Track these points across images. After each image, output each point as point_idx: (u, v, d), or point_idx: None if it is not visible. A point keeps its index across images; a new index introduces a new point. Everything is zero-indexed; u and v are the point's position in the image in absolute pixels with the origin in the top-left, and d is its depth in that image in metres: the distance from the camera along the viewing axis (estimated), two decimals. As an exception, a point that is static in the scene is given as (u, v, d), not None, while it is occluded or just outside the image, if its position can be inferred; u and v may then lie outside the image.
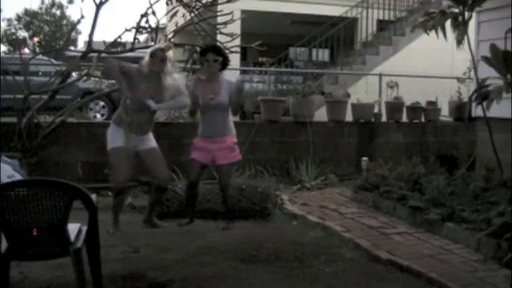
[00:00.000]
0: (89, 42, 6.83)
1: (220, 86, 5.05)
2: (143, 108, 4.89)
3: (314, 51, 13.83)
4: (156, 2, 6.50)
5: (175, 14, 10.88)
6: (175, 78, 5.03)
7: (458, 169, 7.24)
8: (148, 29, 6.70)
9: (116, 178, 5.04)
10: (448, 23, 6.43)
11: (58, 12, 34.42)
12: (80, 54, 7.26)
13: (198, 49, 6.57)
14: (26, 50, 29.40)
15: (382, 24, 13.61)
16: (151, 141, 5.17)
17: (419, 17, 8.77)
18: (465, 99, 9.28)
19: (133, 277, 3.92)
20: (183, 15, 9.54)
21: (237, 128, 5.39)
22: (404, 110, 9.20)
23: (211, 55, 5.04)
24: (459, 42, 6.27)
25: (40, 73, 10.03)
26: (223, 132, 5.14)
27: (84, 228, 3.40)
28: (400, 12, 13.61)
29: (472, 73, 7.71)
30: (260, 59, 16.95)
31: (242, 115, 9.60)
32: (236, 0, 6.71)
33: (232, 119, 5.33)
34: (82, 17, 6.78)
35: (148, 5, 6.45)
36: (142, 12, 6.46)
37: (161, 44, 5.33)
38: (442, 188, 5.77)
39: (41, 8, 34.25)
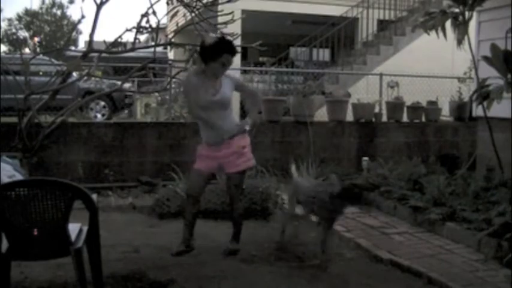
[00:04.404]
0: (90, 42, 6.82)
1: (221, 81, 4.49)
2: None
3: (315, 51, 13.83)
4: (157, 2, 6.50)
5: (175, 14, 10.85)
6: None
7: (459, 169, 7.24)
8: (149, 29, 6.68)
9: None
10: (448, 23, 6.44)
11: (59, 12, 34.50)
12: (80, 54, 7.25)
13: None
14: (27, 50, 29.47)
15: (382, 24, 13.61)
16: None
17: (419, 17, 8.76)
18: (466, 99, 9.28)
19: (133, 277, 3.93)
20: (184, 15, 9.53)
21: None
22: (405, 109, 9.20)
23: (228, 58, 4.40)
24: (459, 42, 6.28)
25: (41, 73, 10.04)
26: (229, 135, 4.47)
27: (85, 228, 3.41)
28: (401, 12, 13.62)
29: (473, 73, 7.71)
30: (261, 59, 16.99)
31: (243, 114, 9.60)
32: (236, 0, 6.71)
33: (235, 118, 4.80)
34: (83, 17, 6.76)
35: (149, 5, 6.45)
36: (143, 12, 6.46)
37: None
38: (442, 187, 5.77)
39: (41, 8, 34.33)
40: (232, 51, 4.40)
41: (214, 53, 4.34)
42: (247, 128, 4.60)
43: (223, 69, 4.43)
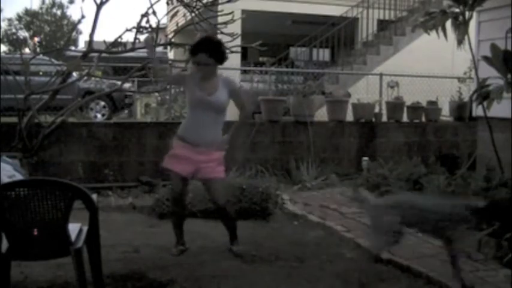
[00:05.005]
0: (90, 42, 6.83)
1: (217, 84, 4.33)
2: None
3: (315, 51, 13.83)
4: (157, 2, 6.51)
5: (175, 13, 10.86)
6: None
7: (459, 169, 7.24)
8: (149, 29, 6.69)
9: None
10: (448, 23, 6.43)
11: (59, 12, 34.49)
12: (80, 54, 7.26)
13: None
14: (27, 50, 29.47)
15: (382, 24, 13.61)
16: None
17: (419, 17, 8.76)
18: (466, 99, 9.29)
19: (133, 277, 3.93)
20: (184, 15, 9.55)
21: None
22: (405, 109, 9.21)
23: (202, 57, 4.20)
24: (460, 41, 6.27)
25: (41, 73, 10.05)
26: (215, 142, 4.33)
27: (85, 228, 3.41)
28: (401, 12, 13.62)
29: (473, 73, 7.71)
30: (261, 59, 16.98)
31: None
32: (236, 0, 6.71)
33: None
34: (83, 16, 6.77)
35: (149, 5, 6.45)
36: (143, 12, 6.47)
37: None
38: (442, 187, 5.76)
39: (41, 8, 34.33)
40: (207, 51, 4.19)
41: (191, 52, 4.28)
42: (223, 147, 4.41)
43: (203, 68, 4.24)
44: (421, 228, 3.99)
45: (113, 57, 8.48)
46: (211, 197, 4.49)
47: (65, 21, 33.96)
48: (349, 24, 12.78)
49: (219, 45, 4.37)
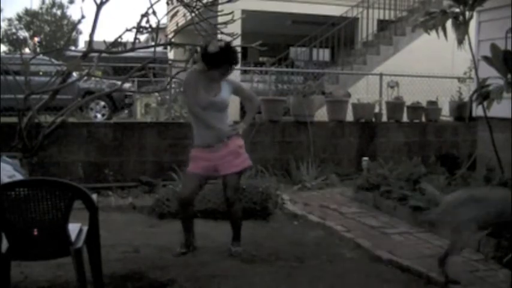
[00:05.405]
0: (90, 42, 6.82)
1: (220, 84, 4.46)
2: None
3: (315, 51, 13.83)
4: (157, 2, 6.50)
5: (175, 13, 10.87)
6: None
7: (459, 169, 7.24)
8: (149, 29, 6.68)
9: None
10: (448, 23, 6.44)
11: (59, 12, 34.54)
12: (80, 54, 7.26)
13: (199, 49, 6.50)
14: (27, 50, 29.49)
15: (382, 24, 13.62)
16: None
17: (419, 17, 8.76)
18: (466, 99, 9.29)
19: (133, 277, 3.93)
20: (184, 15, 9.55)
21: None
22: (405, 109, 9.21)
23: (227, 67, 4.35)
24: (460, 41, 6.27)
25: (41, 73, 10.05)
26: (224, 135, 4.43)
27: (85, 228, 3.41)
28: (401, 12, 13.62)
29: (473, 73, 7.71)
30: (261, 59, 16.99)
31: (243, 115, 9.60)
32: (237, 0, 6.71)
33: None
34: (83, 17, 6.76)
35: (149, 5, 6.45)
36: (143, 12, 6.46)
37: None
38: (442, 187, 5.76)
39: (41, 8, 34.38)
40: (232, 62, 4.35)
41: (214, 61, 4.29)
42: (240, 132, 4.53)
43: (222, 76, 4.39)
44: (491, 223, 3.82)
45: (113, 57, 8.47)
46: (224, 192, 4.53)
47: (65, 21, 34.00)
48: (349, 24, 12.78)
49: (235, 49, 4.48)
